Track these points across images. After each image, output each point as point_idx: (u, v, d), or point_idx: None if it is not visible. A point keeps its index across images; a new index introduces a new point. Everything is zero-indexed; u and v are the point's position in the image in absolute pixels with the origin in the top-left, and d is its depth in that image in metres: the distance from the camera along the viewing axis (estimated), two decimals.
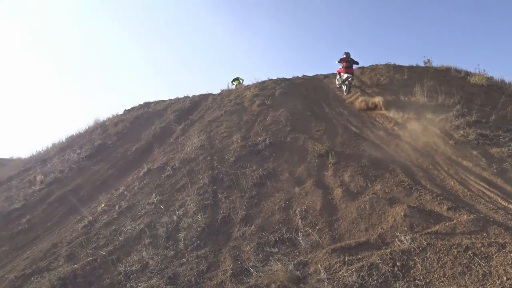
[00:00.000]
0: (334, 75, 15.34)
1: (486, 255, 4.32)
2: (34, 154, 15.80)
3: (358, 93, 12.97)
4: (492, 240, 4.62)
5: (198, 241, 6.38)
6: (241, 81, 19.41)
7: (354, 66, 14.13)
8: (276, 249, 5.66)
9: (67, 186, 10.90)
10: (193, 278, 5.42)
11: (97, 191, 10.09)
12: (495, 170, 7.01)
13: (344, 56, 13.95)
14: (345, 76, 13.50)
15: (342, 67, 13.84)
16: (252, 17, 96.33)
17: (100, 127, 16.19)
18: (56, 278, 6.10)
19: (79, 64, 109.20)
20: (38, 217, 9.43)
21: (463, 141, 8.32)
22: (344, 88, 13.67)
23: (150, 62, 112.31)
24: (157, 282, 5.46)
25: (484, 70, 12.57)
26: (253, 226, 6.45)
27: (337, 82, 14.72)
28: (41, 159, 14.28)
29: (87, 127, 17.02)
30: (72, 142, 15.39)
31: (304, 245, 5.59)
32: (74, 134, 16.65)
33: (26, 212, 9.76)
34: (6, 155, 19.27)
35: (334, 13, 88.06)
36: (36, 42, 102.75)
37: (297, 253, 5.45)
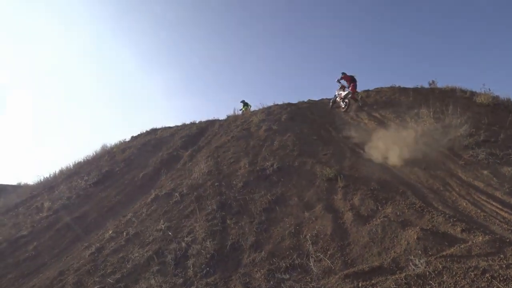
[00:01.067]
0: (335, 95, 15.48)
1: (505, 277, 4.19)
2: (42, 180, 15.79)
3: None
4: (510, 261, 4.49)
5: (208, 268, 6.28)
6: (249, 107, 19.65)
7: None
8: (288, 276, 5.55)
9: (75, 213, 10.85)
10: None
11: (105, 218, 10.03)
12: (507, 190, 6.90)
13: (346, 74, 14.36)
14: (345, 92, 13.81)
15: (347, 83, 14.20)
16: (256, 43, 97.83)
17: (108, 154, 16.25)
18: None
19: (86, 91, 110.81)
20: (45, 244, 9.34)
21: (473, 161, 8.24)
22: (342, 104, 14.08)
23: (159, 89, 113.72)
24: None
25: (490, 90, 12.55)
26: (263, 252, 6.34)
27: (333, 99, 15.21)
28: (49, 186, 14.27)
29: (94, 154, 17.07)
30: (80, 169, 15.40)
31: (316, 271, 5.47)
32: (82, 160, 16.69)
33: (33, 239, 9.68)
34: (13, 182, 19.31)
35: (336, 38, 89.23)
36: (45, 70, 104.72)
37: (309, 279, 5.33)
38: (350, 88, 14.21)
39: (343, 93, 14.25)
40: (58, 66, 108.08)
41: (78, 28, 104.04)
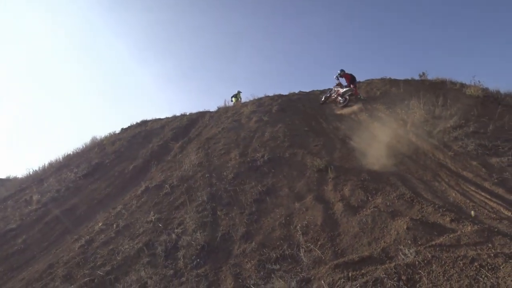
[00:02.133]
0: (330, 90, 15.41)
1: (492, 266, 4.22)
2: (31, 173, 15.62)
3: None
4: (498, 250, 4.52)
5: (198, 259, 6.26)
6: (239, 98, 19.56)
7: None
8: (278, 266, 5.54)
9: (64, 206, 10.75)
10: None
11: (95, 210, 9.97)
12: (496, 180, 6.95)
13: (345, 72, 14.28)
14: (345, 89, 13.70)
15: (347, 81, 14.14)
16: (247, 33, 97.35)
17: (97, 146, 16.11)
18: None
19: (76, 84, 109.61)
20: (34, 237, 9.26)
21: (462, 152, 8.29)
22: (341, 100, 13.84)
23: (148, 80, 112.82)
24: None
25: (479, 82, 12.63)
26: (253, 243, 6.34)
27: (327, 95, 15.08)
28: (38, 179, 14.13)
29: (84, 146, 16.91)
30: (69, 161, 15.25)
31: (306, 261, 5.48)
32: (71, 153, 16.52)
33: (22, 232, 9.59)
34: (2, 175, 19.11)
35: (330, 31, 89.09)
36: (33, 63, 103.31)
37: (300, 270, 5.34)
38: (350, 84, 14.16)
39: (342, 90, 14.10)
40: (46, 58, 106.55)
41: (67, 19, 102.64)
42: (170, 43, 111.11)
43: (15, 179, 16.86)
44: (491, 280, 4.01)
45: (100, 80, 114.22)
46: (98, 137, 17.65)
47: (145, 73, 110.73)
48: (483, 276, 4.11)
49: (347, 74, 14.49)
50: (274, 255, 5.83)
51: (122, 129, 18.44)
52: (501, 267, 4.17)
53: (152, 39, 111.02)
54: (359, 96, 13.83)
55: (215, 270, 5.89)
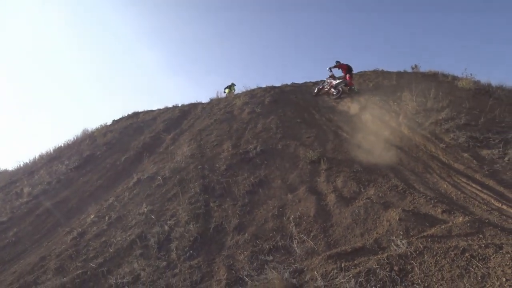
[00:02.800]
0: (323, 81, 15.39)
1: (483, 256, 4.27)
2: (21, 166, 15.44)
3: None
4: (489, 241, 4.58)
5: (191, 251, 6.25)
6: (233, 90, 19.49)
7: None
8: (271, 257, 5.56)
9: (55, 198, 10.66)
10: None
11: (86, 203, 9.90)
12: (486, 172, 7.01)
13: (341, 62, 14.18)
14: (338, 81, 13.61)
15: (343, 72, 14.08)
16: (240, 25, 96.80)
17: (89, 138, 15.96)
18: None
19: (67, 74, 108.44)
20: (25, 230, 9.18)
21: (454, 144, 8.34)
22: (334, 91, 13.75)
23: (139, 72, 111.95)
24: None
25: (471, 75, 12.71)
26: (246, 234, 6.35)
27: (320, 87, 14.93)
28: (28, 171, 13.97)
29: (75, 138, 16.76)
30: (60, 153, 15.10)
31: (299, 252, 5.50)
32: (62, 145, 16.35)
33: (13, 225, 9.50)
34: None
35: (321, 22, 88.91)
36: (23, 52, 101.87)
37: (293, 261, 5.36)
38: (347, 78, 14.04)
39: (335, 82, 13.98)
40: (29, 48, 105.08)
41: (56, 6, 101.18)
42: (162, 33, 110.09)
43: (5, 171, 16.63)
44: (482, 270, 4.06)
45: (88, 72, 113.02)
46: (90, 129, 17.52)
47: (137, 65, 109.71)
48: (474, 266, 4.15)
49: (343, 64, 14.39)
50: (267, 246, 5.85)
51: (113, 120, 18.32)
52: (491, 258, 4.22)
53: (142, 29, 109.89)
54: (353, 88, 13.76)
55: (208, 261, 5.89)
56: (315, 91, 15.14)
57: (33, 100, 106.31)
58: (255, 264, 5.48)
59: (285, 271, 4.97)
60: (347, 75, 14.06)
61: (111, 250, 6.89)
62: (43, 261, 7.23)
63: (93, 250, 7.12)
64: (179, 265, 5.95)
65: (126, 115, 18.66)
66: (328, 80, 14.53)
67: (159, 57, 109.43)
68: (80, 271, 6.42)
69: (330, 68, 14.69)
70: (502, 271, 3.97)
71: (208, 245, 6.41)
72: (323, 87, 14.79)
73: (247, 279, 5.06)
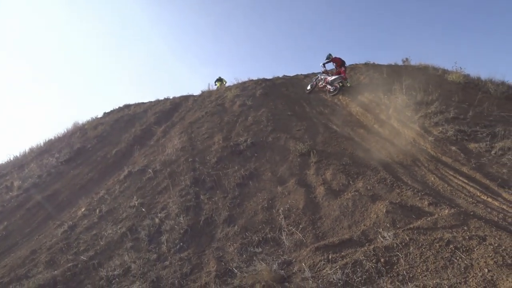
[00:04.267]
0: (314, 75, 15.36)
1: (467, 248, 4.36)
2: (11, 159, 15.31)
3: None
4: (473, 233, 4.67)
5: (181, 243, 6.30)
6: (224, 82, 19.41)
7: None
8: (260, 249, 5.63)
9: (46, 191, 10.63)
10: (176, 281, 5.34)
11: (77, 196, 9.89)
12: (473, 165, 7.10)
13: (333, 56, 13.83)
14: (334, 77, 13.22)
15: (336, 66, 13.84)
16: (230, 18, 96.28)
17: (79, 131, 15.89)
18: (36, 286, 5.97)
19: (57, 67, 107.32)
20: (15, 224, 9.16)
21: (442, 137, 8.42)
22: (331, 88, 13.34)
23: (129, 65, 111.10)
24: (140, 286, 5.38)
25: (461, 68, 12.79)
26: (236, 227, 6.41)
27: (313, 83, 14.36)
28: (18, 164, 13.88)
29: (65, 131, 16.68)
30: (51, 146, 15.02)
31: (288, 244, 5.57)
32: (53, 138, 16.27)
33: (3, 219, 9.47)
34: None
35: (313, 13, 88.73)
36: (14, 46, 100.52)
37: (281, 253, 5.43)
38: (341, 72, 13.64)
39: (331, 78, 13.37)
40: (21, 41, 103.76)
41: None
42: (152, 26, 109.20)
43: None
44: (465, 262, 4.15)
45: (77, 64, 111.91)
46: (80, 122, 17.43)
47: (129, 56, 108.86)
48: (457, 257, 4.24)
49: (336, 58, 13.92)
50: (256, 238, 5.92)
51: (104, 113, 18.23)
52: (475, 249, 4.32)
53: (135, 21, 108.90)
54: (346, 82, 13.50)
55: (198, 253, 5.95)
56: (308, 87, 14.50)
57: (24, 93, 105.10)
58: (244, 256, 5.55)
59: (273, 263, 5.04)
60: (342, 68, 13.79)
61: (102, 243, 6.92)
62: (34, 254, 7.26)
63: (84, 243, 7.15)
64: (169, 257, 6.00)
65: (117, 107, 18.56)
66: (322, 76, 13.95)
67: (151, 49, 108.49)
68: (71, 264, 6.45)
69: (323, 64, 14.06)
70: (485, 262, 4.06)
71: (198, 237, 6.46)
72: (317, 83, 14.16)
73: (236, 270, 5.12)
